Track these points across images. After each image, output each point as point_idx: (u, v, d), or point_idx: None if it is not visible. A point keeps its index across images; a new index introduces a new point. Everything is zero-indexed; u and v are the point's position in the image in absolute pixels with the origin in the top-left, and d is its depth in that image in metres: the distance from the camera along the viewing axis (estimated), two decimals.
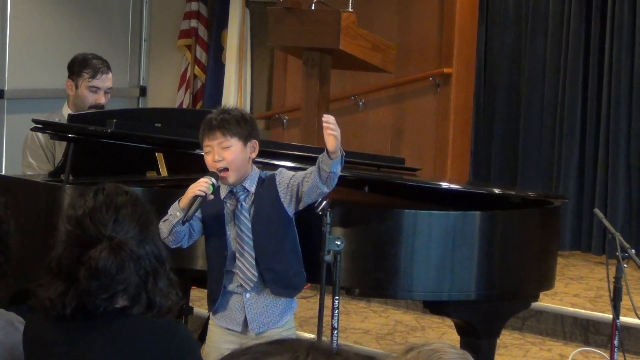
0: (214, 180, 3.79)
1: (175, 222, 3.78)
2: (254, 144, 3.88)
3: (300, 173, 3.87)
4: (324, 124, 3.68)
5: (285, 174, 3.92)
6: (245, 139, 3.85)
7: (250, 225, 3.86)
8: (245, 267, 3.86)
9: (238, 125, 3.84)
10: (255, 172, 3.93)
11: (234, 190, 3.90)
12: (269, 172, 3.97)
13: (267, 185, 3.90)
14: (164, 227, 3.79)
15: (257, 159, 3.98)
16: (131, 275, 2.60)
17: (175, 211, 3.79)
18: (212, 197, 3.79)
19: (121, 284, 2.60)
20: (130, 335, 2.63)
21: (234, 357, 1.49)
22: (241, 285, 3.87)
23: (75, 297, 2.59)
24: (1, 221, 2.84)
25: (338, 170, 3.74)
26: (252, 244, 3.86)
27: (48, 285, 2.64)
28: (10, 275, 2.87)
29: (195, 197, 3.75)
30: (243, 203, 3.88)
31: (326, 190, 3.79)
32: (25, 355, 2.73)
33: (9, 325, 2.82)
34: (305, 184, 3.80)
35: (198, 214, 3.84)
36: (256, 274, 3.85)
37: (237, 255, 3.86)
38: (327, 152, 3.69)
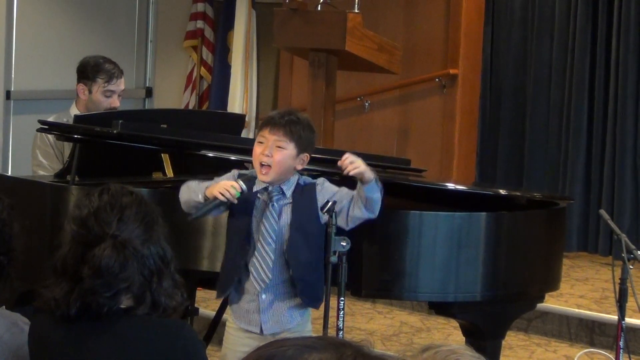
0: (244, 187, 3.77)
1: (193, 202, 3.82)
2: (305, 157, 3.85)
3: (345, 191, 3.84)
4: (342, 162, 3.71)
5: (329, 186, 3.89)
6: (301, 150, 3.82)
7: (275, 228, 3.83)
8: (261, 267, 3.83)
9: (303, 132, 3.82)
10: (295, 177, 3.90)
11: (269, 188, 3.86)
12: (308, 180, 3.95)
13: (306, 194, 3.87)
14: (185, 193, 3.84)
15: None
16: (134, 274, 2.61)
17: (199, 193, 3.81)
18: (235, 201, 3.78)
19: (124, 282, 2.60)
20: (135, 335, 2.64)
21: (281, 346, 1.49)
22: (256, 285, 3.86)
23: (79, 296, 2.59)
24: (4, 223, 2.84)
25: (376, 196, 3.75)
26: (273, 247, 3.82)
27: (53, 285, 2.65)
28: (15, 277, 2.87)
29: (217, 199, 3.76)
30: (275, 204, 3.84)
31: (372, 217, 3.80)
32: (31, 356, 2.74)
33: (14, 326, 2.82)
34: (351, 210, 3.78)
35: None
36: (270, 276, 3.83)
37: (255, 252, 3.84)
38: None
